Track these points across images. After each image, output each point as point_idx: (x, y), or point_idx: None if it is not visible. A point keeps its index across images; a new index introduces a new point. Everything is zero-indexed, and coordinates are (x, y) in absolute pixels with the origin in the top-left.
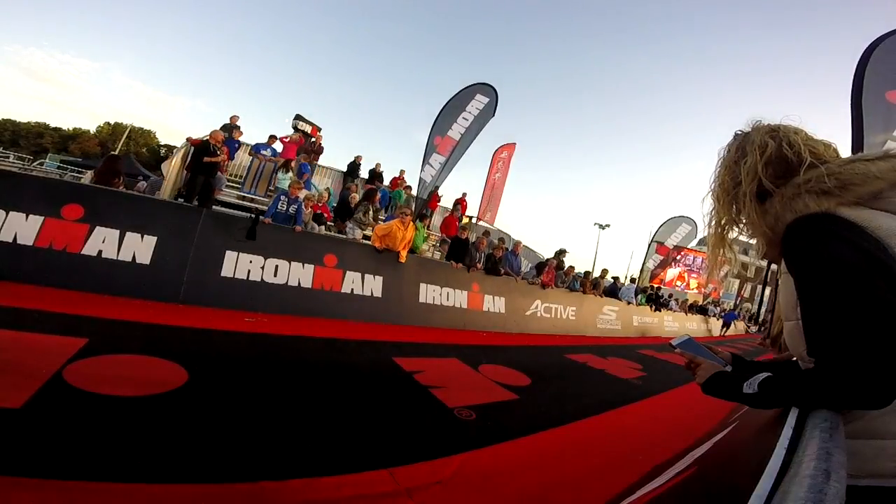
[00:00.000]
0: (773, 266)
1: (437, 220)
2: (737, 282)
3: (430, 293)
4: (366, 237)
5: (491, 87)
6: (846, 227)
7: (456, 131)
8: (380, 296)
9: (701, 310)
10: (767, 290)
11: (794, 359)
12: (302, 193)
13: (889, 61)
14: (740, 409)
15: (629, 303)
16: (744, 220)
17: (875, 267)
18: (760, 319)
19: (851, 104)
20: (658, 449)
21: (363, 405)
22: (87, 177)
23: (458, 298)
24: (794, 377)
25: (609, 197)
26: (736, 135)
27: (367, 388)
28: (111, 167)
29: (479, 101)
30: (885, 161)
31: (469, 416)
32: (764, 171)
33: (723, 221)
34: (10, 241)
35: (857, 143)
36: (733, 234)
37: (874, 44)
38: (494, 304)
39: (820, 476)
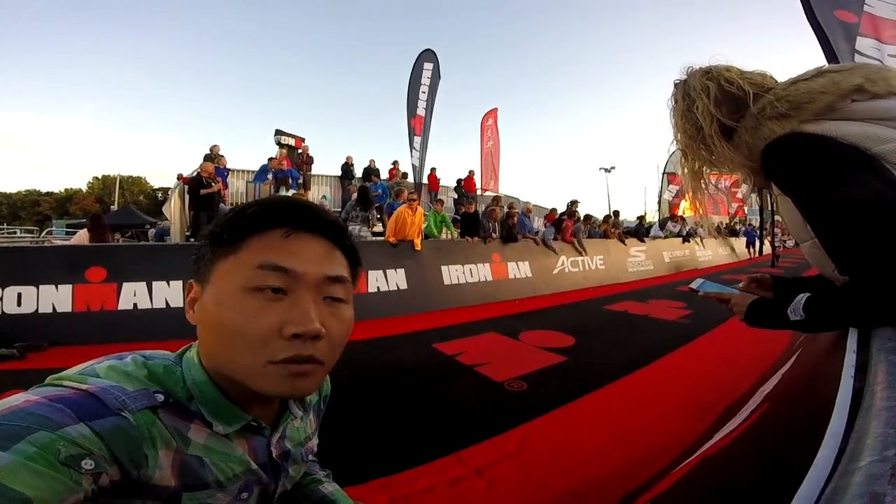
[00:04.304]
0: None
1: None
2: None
3: (453, 274)
4: (374, 234)
5: (431, 51)
6: (818, 140)
7: (421, 108)
8: (405, 287)
9: (731, 232)
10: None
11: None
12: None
13: None
14: (800, 334)
15: (655, 237)
16: (719, 160)
17: (861, 168)
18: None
19: (810, 24)
20: (725, 389)
21: (416, 396)
22: (77, 237)
23: (481, 272)
24: (839, 294)
25: (607, 139)
26: (676, 84)
27: (416, 379)
28: (98, 224)
29: (428, 70)
30: (822, 77)
31: (521, 387)
32: (718, 110)
33: (696, 167)
34: (51, 311)
35: (830, 53)
36: (711, 177)
37: None
38: (519, 269)
39: None
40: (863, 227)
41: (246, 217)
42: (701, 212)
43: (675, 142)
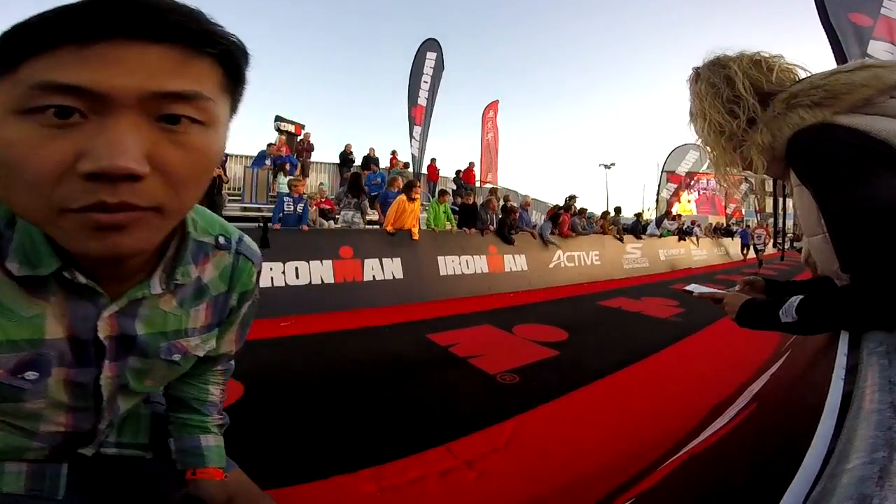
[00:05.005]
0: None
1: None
2: (752, 196)
3: (449, 264)
4: (370, 222)
5: (435, 40)
6: (849, 133)
7: (423, 97)
8: (401, 277)
9: (726, 232)
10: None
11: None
12: (306, 189)
13: None
14: (790, 335)
15: (651, 235)
16: (744, 141)
17: (889, 165)
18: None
19: (822, 25)
20: (714, 388)
21: (408, 386)
22: None
23: (477, 264)
24: (833, 296)
25: (609, 135)
26: (703, 65)
27: (409, 369)
28: None
29: (431, 59)
30: (865, 70)
31: (513, 380)
32: (748, 92)
33: (724, 143)
34: None
35: (840, 55)
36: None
37: None
38: (515, 262)
39: (887, 410)
40: (876, 226)
41: (29, 29)
42: (725, 183)
43: (697, 118)
